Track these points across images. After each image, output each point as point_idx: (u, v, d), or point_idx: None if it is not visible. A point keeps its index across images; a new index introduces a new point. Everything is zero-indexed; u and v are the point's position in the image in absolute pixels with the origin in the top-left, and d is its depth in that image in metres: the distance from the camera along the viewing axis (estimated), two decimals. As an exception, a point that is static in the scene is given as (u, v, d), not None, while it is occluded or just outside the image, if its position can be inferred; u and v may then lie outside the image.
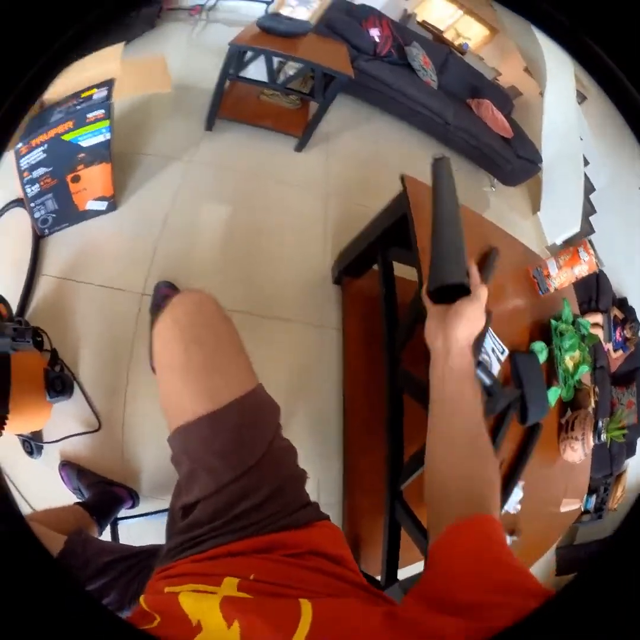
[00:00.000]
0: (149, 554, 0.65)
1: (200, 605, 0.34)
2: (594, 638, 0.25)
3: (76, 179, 1.05)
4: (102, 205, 1.13)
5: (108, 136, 1.02)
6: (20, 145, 0.94)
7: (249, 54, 1.34)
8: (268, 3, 1.75)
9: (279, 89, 1.44)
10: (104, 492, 0.96)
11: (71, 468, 1.00)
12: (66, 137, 0.97)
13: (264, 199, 1.22)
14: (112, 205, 1.14)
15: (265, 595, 0.35)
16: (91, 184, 1.07)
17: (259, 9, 1.77)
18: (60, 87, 1.02)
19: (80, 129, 0.97)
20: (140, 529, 0.98)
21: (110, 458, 0.99)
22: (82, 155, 1.01)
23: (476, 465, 0.43)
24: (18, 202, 1.09)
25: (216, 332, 0.49)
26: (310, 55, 1.36)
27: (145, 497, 0.99)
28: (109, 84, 1.01)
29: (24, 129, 0.97)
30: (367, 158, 1.42)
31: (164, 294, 1.03)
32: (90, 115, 0.96)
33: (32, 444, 1.00)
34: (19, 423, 0.91)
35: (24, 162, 0.97)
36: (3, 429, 0.75)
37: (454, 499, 0.40)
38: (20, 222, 1.08)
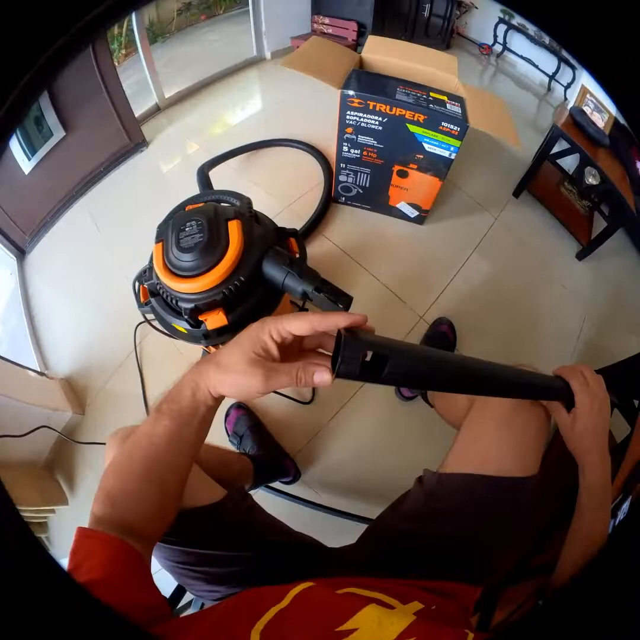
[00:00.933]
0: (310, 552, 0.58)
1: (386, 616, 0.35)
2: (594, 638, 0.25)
3: (403, 174, 1.04)
4: (412, 213, 1.14)
5: (453, 157, 0.99)
6: (351, 92, 0.89)
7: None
8: (550, 77, 1.80)
9: (579, 190, 1.43)
10: (274, 457, 0.93)
11: (246, 414, 0.98)
12: (411, 128, 0.93)
13: (534, 289, 1.21)
14: (420, 219, 1.15)
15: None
16: (415, 188, 1.07)
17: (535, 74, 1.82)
18: (395, 58, 1.00)
19: (430, 132, 0.93)
20: (275, 506, 0.94)
21: (298, 432, 0.97)
22: (419, 156, 0.99)
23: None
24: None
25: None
26: (610, 172, 1.34)
27: (303, 482, 0.95)
28: (461, 101, 0.96)
29: (345, 75, 0.90)
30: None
31: (442, 331, 1.02)
32: (444, 125, 0.91)
33: None
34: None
35: (352, 116, 0.93)
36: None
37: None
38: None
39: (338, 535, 0.92)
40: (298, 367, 0.35)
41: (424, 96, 0.92)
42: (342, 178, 1.11)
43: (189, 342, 0.69)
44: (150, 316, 0.72)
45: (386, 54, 1.04)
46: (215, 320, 0.63)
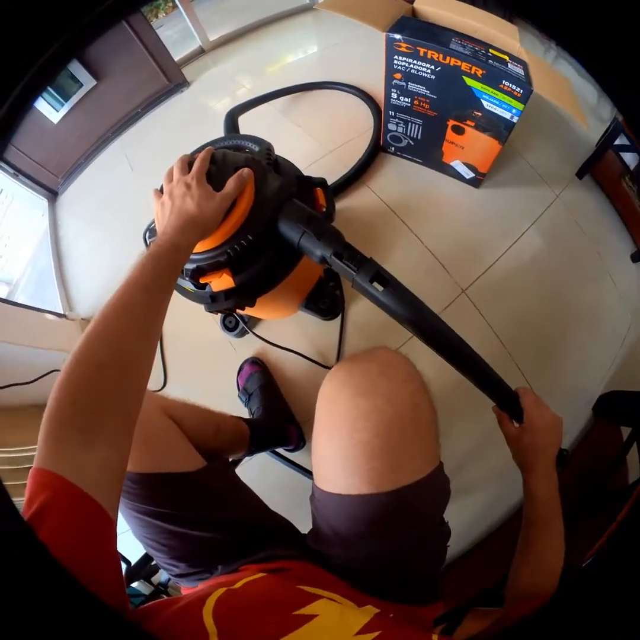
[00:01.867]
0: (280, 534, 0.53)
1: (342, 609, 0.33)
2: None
3: (458, 131, 0.96)
4: (467, 173, 1.05)
5: (515, 120, 0.90)
6: (398, 36, 0.82)
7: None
8: None
9: (638, 190, 1.30)
10: (278, 422, 0.88)
11: (260, 372, 0.93)
12: (468, 82, 0.86)
13: (583, 280, 1.09)
14: (476, 182, 1.05)
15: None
16: (472, 147, 0.98)
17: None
18: (452, 13, 0.92)
19: (490, 89, 0.85)
20: (276, 472, 0.90)
21: (313, 398, 0.92)
22: (478, 114, 0.91)
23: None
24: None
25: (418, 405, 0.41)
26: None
27: (307, 451, 0.91)
28: (524, 65, 0.88)
29: (391, 20, 0.83)
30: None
31: None
32: (506, 84, 0.84)
33: (242, 323, 0.94)
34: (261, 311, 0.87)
35: (400, 61, 0.87)
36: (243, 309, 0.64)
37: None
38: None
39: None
40: (230, 181, 0.51)
41: (482, 51, 0.83)
42: (391, 127, 1.04)
43: (194, 301, 0.63)
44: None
45: (443, 7, 0.95)
46: (220, 282, 0.57)
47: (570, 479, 0.87)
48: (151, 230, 0.68)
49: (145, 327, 0.37)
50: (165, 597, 0.79)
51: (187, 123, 1.39)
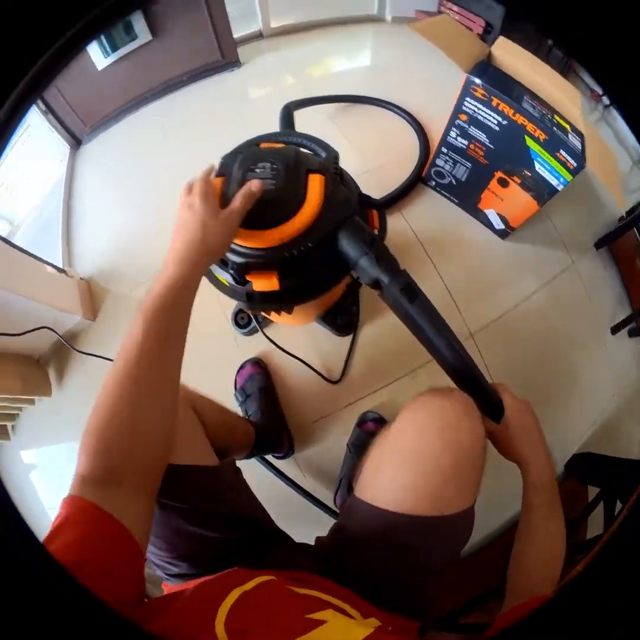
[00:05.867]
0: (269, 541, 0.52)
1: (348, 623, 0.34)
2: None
3: (503, 183, 0.99)
4: (498, 224, 1.08)
5: (560, 188, 0.94)
6: (478, 81, 0.84)
7: None
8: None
9: None
10: (274, 428, 0.88)
11: (261, 375, 0.93)
12: (529, 142, 0.89)
13: (581, 346, 1.14)
14: (503, 234, 1.10)
15: None
16: (511, 202, 1.01)
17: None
18: (524, 66, 0.95)
19: (547, 154, 0.88)
20: (261, 481, 0.89)
21: (309, 408, 0.92)
22: (527, 173, 0.93)
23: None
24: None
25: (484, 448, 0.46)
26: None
27: (293, 460, 0.92)
28: (581, 137, 0.91)
29: (474, 61, 0.86)
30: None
31: (368, 430, 0.90)
32: (563, 154, 0.87)
33: (255, 322, 0.93)
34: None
35: (470, 104, 0.88)
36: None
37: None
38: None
39: (308, 523, 0.89)
40: (236, 197, 0.47)
41: (549, 116, 0.86)
42: (439, 162, 1.05)
43: (227, 295, 0.60)
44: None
45: (515, 56, 0.97)
46: (265, 283, 0.54)
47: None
48: None
49: (154, 394, 0.38)
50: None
51: (229, 104, 1.36)
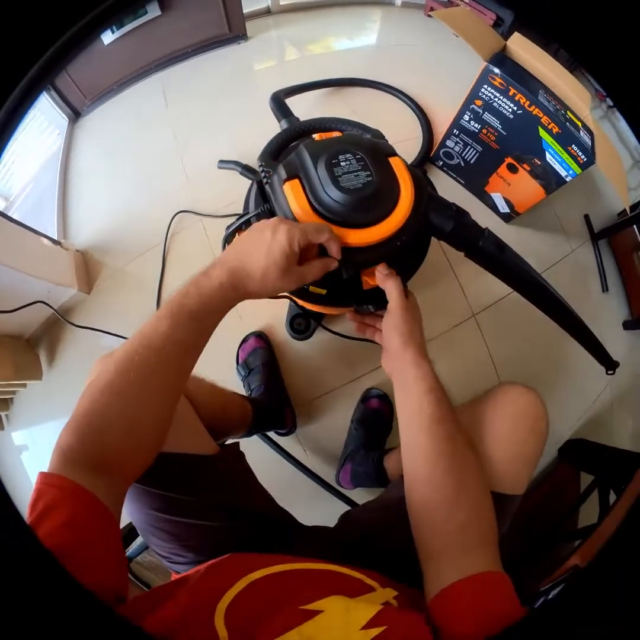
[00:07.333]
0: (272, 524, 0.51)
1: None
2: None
3: (512, 169, 1.00)
4: (503, 207, 1.09)
5: (568, 180, 0.98)
6: (497, 70, 0.87)
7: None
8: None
9: None
10: (276, 403, 0.86)
11: (265, 349, 0.91)
12: (542, 133, 0.91)
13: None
14: (508, 218, 1.11)
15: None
16: (518, 187, 1.03)
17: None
18: (538, 62, 0.96)
19: (558, 146, 0.91)
20: (261, 456, 0.89)
21: (312, 383, 0.92)
22: (537, 162, 0.96)
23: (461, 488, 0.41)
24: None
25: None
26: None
27: (295, 437, 0.91)
28: (591, 135, 0.94)
29: (492, 52, 0.89)
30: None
31: (373, 407, 0.90)
32: (574, 148, 0.91)
33: (313, 324, 0.91)
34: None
35: (487, 92, 0.91)
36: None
37: (446, 547, 0.39)
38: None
39: (309, 500, 0.89)
40: (314, 265, 0.42)
41: (562, 111, 0.90)
42: (449, 143, 1.06)
43: (315, 304, 0.56)
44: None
45: (530, 53, 1.00)
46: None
47: (528, 515, 0.93)
48: (239, 227, 0.55)
49: (158, 388, 0.37)
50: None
51: (233, 77, 1.33)
